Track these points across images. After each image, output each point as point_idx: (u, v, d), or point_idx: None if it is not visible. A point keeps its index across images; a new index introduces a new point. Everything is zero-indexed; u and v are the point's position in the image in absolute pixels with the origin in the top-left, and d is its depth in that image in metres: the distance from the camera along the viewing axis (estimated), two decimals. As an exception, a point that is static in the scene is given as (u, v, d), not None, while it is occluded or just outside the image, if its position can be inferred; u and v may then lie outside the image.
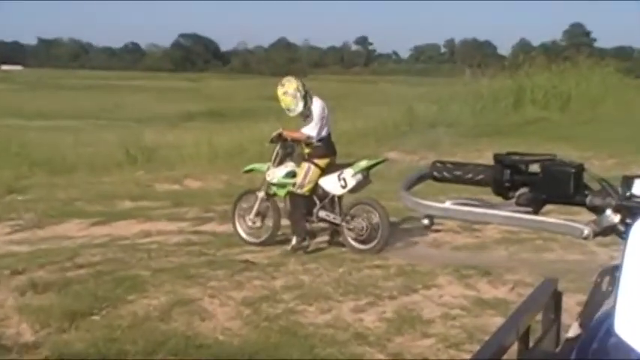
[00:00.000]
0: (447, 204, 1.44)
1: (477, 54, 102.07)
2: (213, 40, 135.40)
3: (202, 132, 19.88)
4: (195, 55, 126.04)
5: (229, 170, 14.63)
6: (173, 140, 19.16)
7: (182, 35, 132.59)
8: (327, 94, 9.08)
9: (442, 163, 1.56)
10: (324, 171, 8.36)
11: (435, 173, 1.55)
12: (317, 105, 8.33)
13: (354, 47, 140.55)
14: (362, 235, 8.21)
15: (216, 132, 19.73)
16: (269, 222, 8.78)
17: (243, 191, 9.44)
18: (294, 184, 8.44)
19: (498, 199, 1.60)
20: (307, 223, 8.49)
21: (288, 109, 8.36)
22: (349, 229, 8.27)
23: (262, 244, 8.69)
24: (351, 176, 8.27)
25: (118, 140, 18.28)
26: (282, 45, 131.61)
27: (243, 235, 8.92)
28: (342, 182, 8.30)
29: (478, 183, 1.50)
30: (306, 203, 8.42)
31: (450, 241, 8.72)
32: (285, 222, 8.76)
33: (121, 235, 9.85)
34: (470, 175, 1.51)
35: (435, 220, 1.62)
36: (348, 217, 8.29)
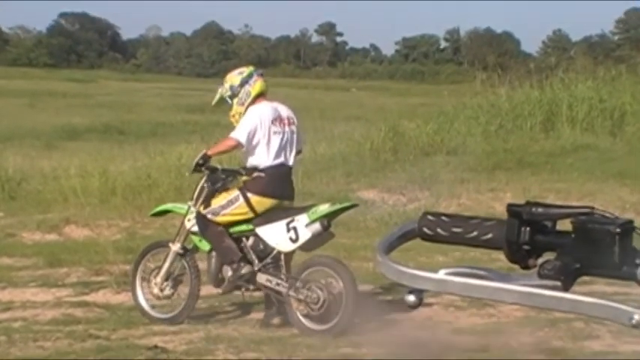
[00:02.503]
0: (442, 274, 1.47)
1: (493, 51, 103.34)
2: (112, 23, 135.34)
3: (92, 156, 19.74)
4: (83, 44, 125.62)
5: (131, 213, 14.54)
6: (49, 168, 19.00)
7: (64, 15, 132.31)
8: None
9: (435, 215, 1.58)
10: (258, 216, 8.45)
11: (426, 230, 1.57)
12: (255, 107, 8.68)
13: (315, 38, 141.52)
14: (317, 310, 8.24)
15: (113, 156, 19.59)
16: (183, 289, 8.79)
17: (150, 244, 9.42)
18: (205, 206, 8.63)
19: (514, 268, 1.64)
20: (239, 289, 8.58)
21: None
22: (299, 301, 8.30)
23: (174, 320, 8.68)
24: (305, 226, 8.32)
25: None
26: (212, 32, 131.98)
27: (146, 307, 8.94)
28: (292, 234, 8.35)
29: (486, 244, 1.52)
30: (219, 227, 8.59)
31: (450, 320, 8.76)
32: (207, 290, 8.75)
33: (-32, 307, 9.72)
34: (474, 234, 1.54)
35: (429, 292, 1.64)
36: (299, 284, 8.32)
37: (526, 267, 1.59)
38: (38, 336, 8.23)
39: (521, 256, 1.61)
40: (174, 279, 8.85)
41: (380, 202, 15.50)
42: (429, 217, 1.71)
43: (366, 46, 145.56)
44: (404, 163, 18.04)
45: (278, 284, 8.42)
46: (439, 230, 1.70)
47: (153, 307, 8.92)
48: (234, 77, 8.88)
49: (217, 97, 8.92)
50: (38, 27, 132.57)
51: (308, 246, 8.47)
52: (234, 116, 8.75)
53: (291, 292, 8.31)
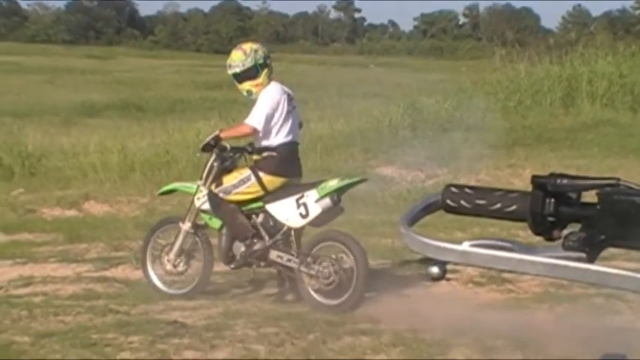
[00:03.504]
0: (466, 246, 1.46)
1: (512, 27, 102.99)
2: (130, 0, 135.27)
3: (111, 132, 19.79)
4: (102, 20, 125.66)
5: (150, 189, 14.56)
6: (68, 144, 19.05)
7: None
8: (295, 81, 9.17)
9: (459, 188, 1.58)
10: (268, 194, 8.46)
11: (449, 202, 1.57)
12: (268, 89, 8.60)
13: (333, 14, 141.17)
14: (328, 285, 8.27)
15: (131, 133, 19.64)
16: (196, 265, 8.84)
17: (159, 220, 9.51)
18: (216, 185, 8.63)
19: (538, 240, 1.63)
20: (250, 266, 8.63)
21: (229, 65, 8.74)
22: (310, 276, 8.32)
23: (187, 296, 8.74)
24: (314, 201, 8.34)
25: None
26: (230, 9, 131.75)
27: (158, 283, 9.01)
28: (303, 210, 8.36)
29: (510, 216, 1.52)
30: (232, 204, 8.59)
31: (469, 296, 8.76)
32: (224, 266, 8.79)
33: (-11, 282, 9.78)
34: (498, 206, 1.54)
35: (448, 267, 1.64)
36: (310, 260, 8.33)
37: (550, 239, 1.58)
38: (59, 311, 8.28)
39: (545, 227, 1.61)
40: (187, 255, 8.90)
41: (398, 178, 15.49)
42: (453, 189, 1.70)
43: (384, 22, 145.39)
44: (422, 139, 17.99)
45: (289, 260, 8.45)
46: (462, 202, 1.70)
47: (164, 282, 8.99)
48: (263, 48, 8.84)
49: (250, 63, 8.63)
50: (57, 4, 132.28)
51: (318, 221, 8.49)
52: (257, 86, 8.63)
53: (302, 268, 8.34)
